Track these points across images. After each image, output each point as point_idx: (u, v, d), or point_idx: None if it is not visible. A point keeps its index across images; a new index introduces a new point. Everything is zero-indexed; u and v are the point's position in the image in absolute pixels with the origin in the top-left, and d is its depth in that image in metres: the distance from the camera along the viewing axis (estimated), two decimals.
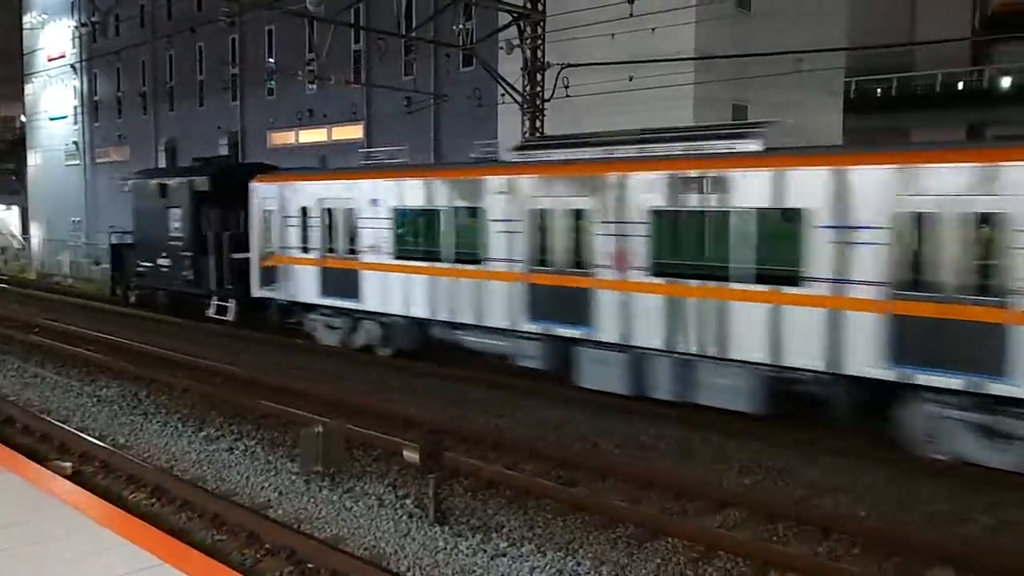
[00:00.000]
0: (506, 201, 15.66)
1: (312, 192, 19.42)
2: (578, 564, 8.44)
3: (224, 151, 35.27)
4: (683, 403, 13.63)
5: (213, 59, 36.16)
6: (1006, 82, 37.89)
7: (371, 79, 27.99)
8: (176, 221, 24.08)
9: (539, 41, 21.15)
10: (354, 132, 29.88)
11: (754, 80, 20.57)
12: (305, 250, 19.61)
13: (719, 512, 9.79)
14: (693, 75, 20.28)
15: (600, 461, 11.48)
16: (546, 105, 21.16)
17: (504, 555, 8.61)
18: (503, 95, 21.95)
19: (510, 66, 21.94)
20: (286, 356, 19.10)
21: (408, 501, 9.96)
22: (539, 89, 21.16)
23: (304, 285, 19.68)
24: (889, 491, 10.44)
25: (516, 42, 21.24)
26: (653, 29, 19.22)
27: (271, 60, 32.83)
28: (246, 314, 22.16)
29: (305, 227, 19.61)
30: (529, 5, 21.07)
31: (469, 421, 13.59)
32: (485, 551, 8.68)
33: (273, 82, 33.64)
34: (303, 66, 26.43)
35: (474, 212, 16.26)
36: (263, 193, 20.71)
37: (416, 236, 17.52)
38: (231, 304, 22.50)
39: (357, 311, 18.72)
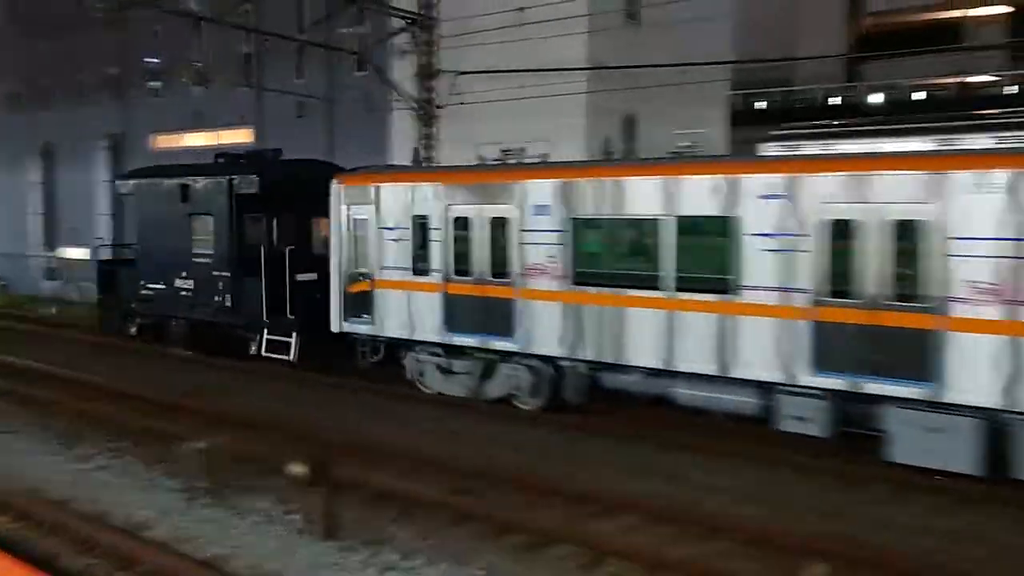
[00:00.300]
0: (780, 208, 11.69)
1: (436, 196, 15.05)
2: (470, 574, 8.37)
3: (104, 154, 33.81)
4: (583, 410, 13.71)
5: (95, 59, 34.61)
6: (878, 97, 39.92)
7: (261, 82, 27.32)
8: (204, 232, 19.02)
9: (432, 47, 21.08)
10: (244, 136, 29.08)
11: (645, 91, 21.01)
12: (421, 272, 15.23)
13: (612, 517, 9.89)
14: (586, 84, 20.59)
15: (495, 469, 11.44)
16: (440, 112, 21.10)
17: (394, 568, 8.47)
18: (397, 101, 21.77)
19: (404, 72, 21.79)
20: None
21: (297, 516, 9.68)
22: (433, 95, 21.08)
23: (416, 317, 15.27)
24: (772, 490, 10.76)
25: (409, 48, 21.12)
26: (545, 39, 19.41)
27: (154, 60, 31.63)
28: (311, 352, 17.49)
29: (423, 242, 15.22)
30: (422, 11, 20.98)
31: (367, 432, 13.36)
32: (375, 564, 8.52)
33: (159, 84, 32.45)
34: (189, 67, 25.59)
35: (717, 223, 12.24)
36: (352, 197, 16.24)
37: (609, 254, 13.59)
38: (292, 340, 17.47)
39: (505, 352, 14.36)
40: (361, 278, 16.12)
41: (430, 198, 15.12)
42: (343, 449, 11.75)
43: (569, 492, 10.50)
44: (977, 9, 43.87)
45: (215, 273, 18.73)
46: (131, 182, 21.70)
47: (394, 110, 22.64)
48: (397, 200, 15.57)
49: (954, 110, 37.00)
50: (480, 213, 14.53)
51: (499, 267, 14.34)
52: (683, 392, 12.76)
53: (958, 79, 40.77)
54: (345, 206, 16.33)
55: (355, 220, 16.20)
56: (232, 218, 18.43)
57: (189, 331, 19.69)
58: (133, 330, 21.17)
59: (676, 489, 10.79)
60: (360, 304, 16.11)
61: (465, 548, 9.03)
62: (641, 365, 12.91)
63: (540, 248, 13.81)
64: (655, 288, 12.68)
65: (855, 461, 11.54)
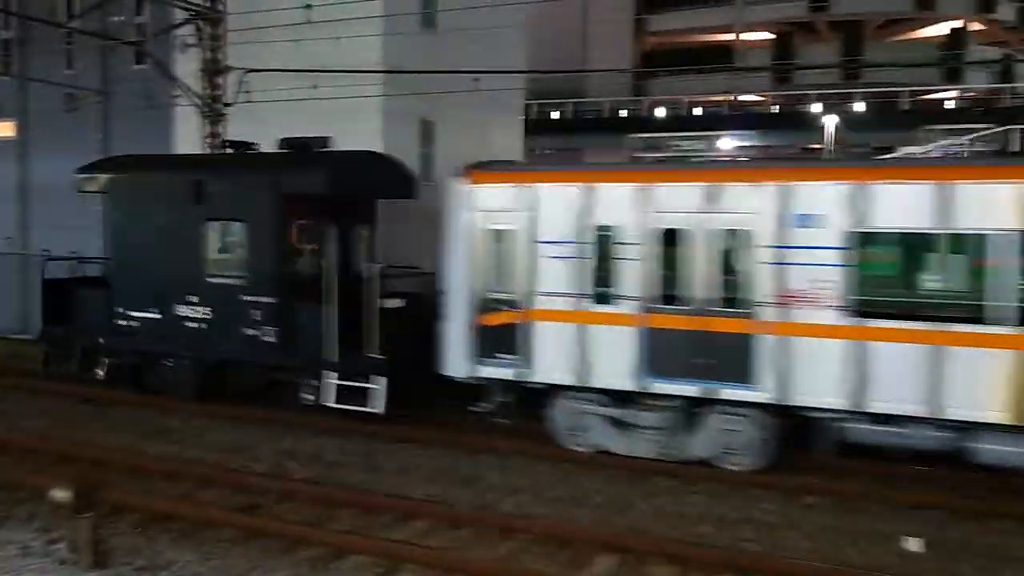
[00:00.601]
0: None
1: (631, 201, 11.75)
2: None
3: None
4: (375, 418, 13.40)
5: None
6: (661, 111, 42.43)
7: (24, 71, 24.90)
8: (229, 244, 14.80)
9: (219, 42, 20.04)
10: (3, 130, 26.38)
11: (443, 97, 21.05)
12: (603, 299, 11.88)
13: (406, 524, 9.74)
14: (382, 88, 20.32)
15: (283, 483, 10.99)
16: (229, 110, 20.09)
17: None
18: (179, 97, 20.51)
19: (188, 67, 20.56)
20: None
21: (61, 546, 8.80)
22: (219, 93, 20.04)
23: (595, 358, 11.90)
24: (563, 488, 11.04)
25: (193, 41, 19.95)
26: (340, 39, 19.00)
27: None
28: (401, 400, 13.64)
29: (607, 261, 11.91)
30: (208, 3, 19.91)
31: (144, 450, 12.44)
32: None
33: None
34: None
35: None
36: (489, 200, 12.57)
37: (915, 278, 10.88)
38: (378, 386, 13.36)
39: (732, 402, 11.34)
40: (502, 307, 12.42)
41: (621, 203, 11.78)
42: (119, 469, 10.89)
43: (363, 502, 10.27)
44: (746, 34, 47.74)
45: (247, 298, 14.23)
46: (104, 176, 16.17)
47: (177, 107, 21.33)
48: (566, 205, 12.06)
49: (727, 126, 40.08)
50: (704, 224, 11.39)
51: (731, 294, 11.34)
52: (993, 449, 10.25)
53: (729, 97, 44.19)
54: (476, 212, 12.56)
55: (492, 230, 12.55)
56: (279, 226, 14.25)
57: (197, 374, 15.06)
58: (100, 372, 15.87)
59: (472, 492, 10.84)
60: (500, 340, 12.39)
61: (253, 567, 8.58)
62: (964, 419, 10.24)
63: (804, 269, 10.95)
64: (987, 322, 10.14)
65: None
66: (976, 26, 46.34)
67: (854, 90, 40.84)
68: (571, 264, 12.07)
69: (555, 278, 12.14)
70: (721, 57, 46.90)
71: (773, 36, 47.35)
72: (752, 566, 8.48)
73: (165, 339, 15.04)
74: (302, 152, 14.88)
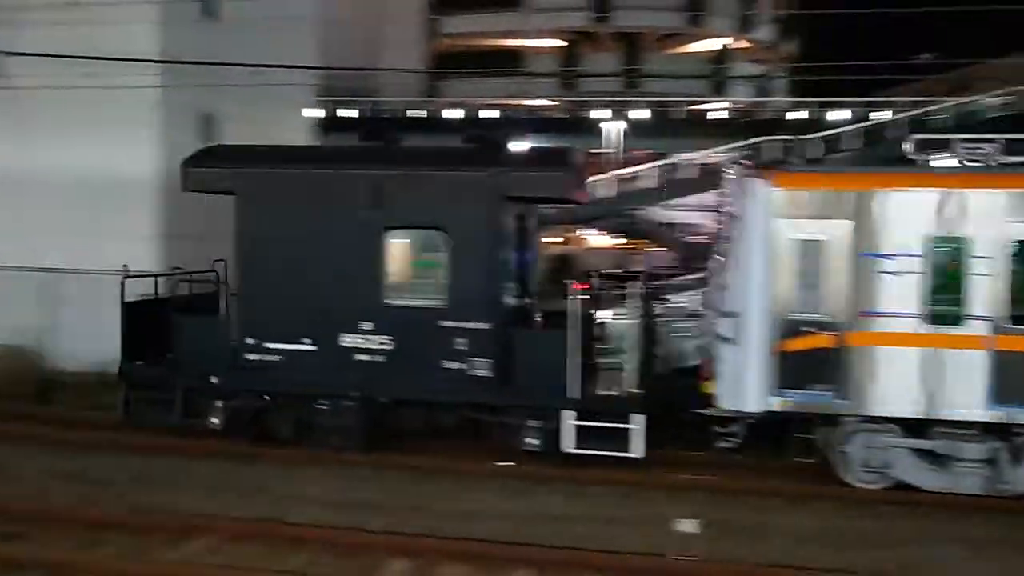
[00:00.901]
0: None
1: (988, 208, 10.43)
2: None
3: None
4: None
5: None
6: (456, 112, 42.85)
7: None
8: (421, 259, 12.38)
9: None
10: None
11: (226, 90, 20.13)
12: (945, 319, 10.54)
13: (183, 541, 9.19)
14: (160, 79, 19.15)
15: (45, 507, 10.06)
16: None
17: None
18: None
19: None
20: None
21: None
22: None
23: (939, 385, 10.45)
24: (348, 495, 10.82)
25: None
26: (114, 24, 17.74)
27: None
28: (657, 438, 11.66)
29: (953, 277, 10.50)
30: None
31: None
32: None
33: None
34: None
35: None
36: (797, 206, 10.90)
37: None
38: (635, 426, 11.24)
39: None
40: (811, 329, 10.82)
41: (977, 210, 10.41)
42: None
43: (135, 523, 9.59)
44: (535, 40, 49.26)
45: (448, 324, 11.80)
46: (231, 170, 12.84)
47: None
48: (907, 214, 10.61)
49: (520, 130, 41.14)
50: None
51: None
52: None
53: (518, 101, 45.40)
54: (778, 219, 10.92)
55: (799, 241, 10.91)
56: (495, 237, 11.98)
57: (365, 418, 12.18)
58: (215, 421, 12.55)
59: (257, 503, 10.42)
60: (809, 368, 10.78)
61: None
62: None
63: None
64: None
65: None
66: (741, 44, 50.44)
67: (634, 98, 43.22)
68: (910, 280, 10.59)
69: (888, 296, 10.62)
70: (511, 61, 48.11)
71: (561, 43, 49.19)
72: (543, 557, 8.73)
73: (323, 376, 12.08)
74: (494, 146, 12.90)
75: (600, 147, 39.56)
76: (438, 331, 11.73)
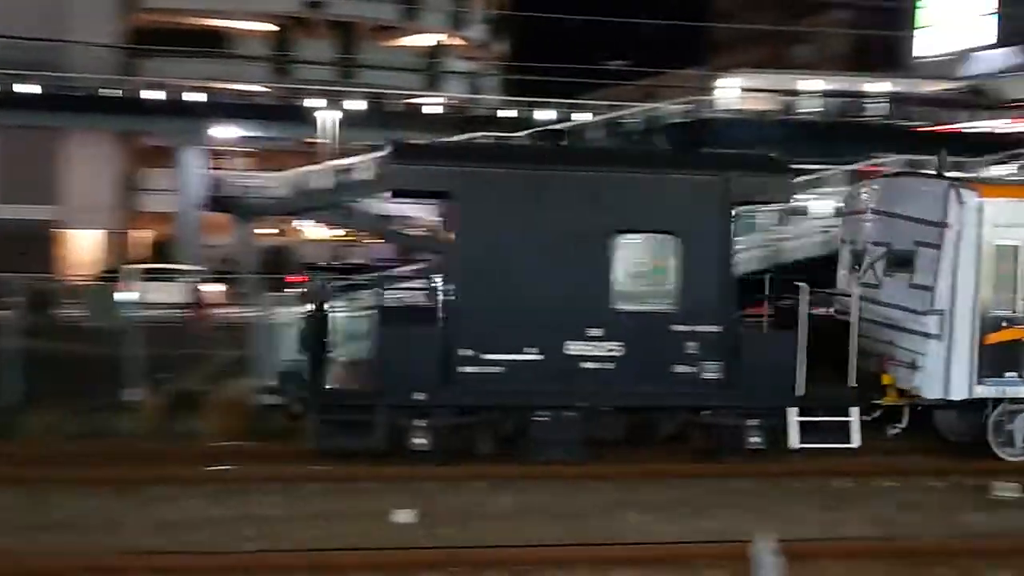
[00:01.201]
0: None
1: None
2: None
3: None
4: None
5: None
6: (157, 94, 39.77)
7: None
8: (652, 263, 11.76)
9: None
10: None
11: None
12: None
13: None
14: None
15: None
16: None
17: None
18: None
19: None
20: None
21: None
22: None
23: None
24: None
25: None
26: None
27: None
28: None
29: None
30: None
31: None
32: None
33: None
34: None
35: None
36: (1000, 216, 11.91)
37: None
38: (852, 418, 11.74)
39: None
40: (1009, 324, 11.95)
41: None
42: None
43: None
44: (244, 22, 46.94)
45: (679, 328, 11.54)
46: (450, 169, 11.80)
47: None
48: None
49: (224, 115, 39.06)
50: None
51: None
52: None
53: (226, 85, 43.11)
54: (984, 227, 11.82)
55: (1000, 246, 11.96)
56: (725, 240, 12.01)
57: (587, 428, 11.62)
58: (422, 441, 11.32)
59: None
60: (1007, 358, 11.94)
61: None
62: None
63: None
64: None
65: None
66: (455, 41, 51.60)
67: (350, 88, 42.68)
68: None
69: None
70: (219, 43, 45.49)
71: (273, 27, 47.29)
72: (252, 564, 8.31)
73: (546, 386, 11.47)
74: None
75: (314, 136, 38.68)
76: (669, 335, 11.59)
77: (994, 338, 12.01)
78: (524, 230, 11.61)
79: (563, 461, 11.58)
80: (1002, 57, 47.63)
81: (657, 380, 11.64)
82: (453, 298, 11.77)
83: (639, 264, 11.94)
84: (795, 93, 43.00)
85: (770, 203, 15.75)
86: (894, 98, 44.31)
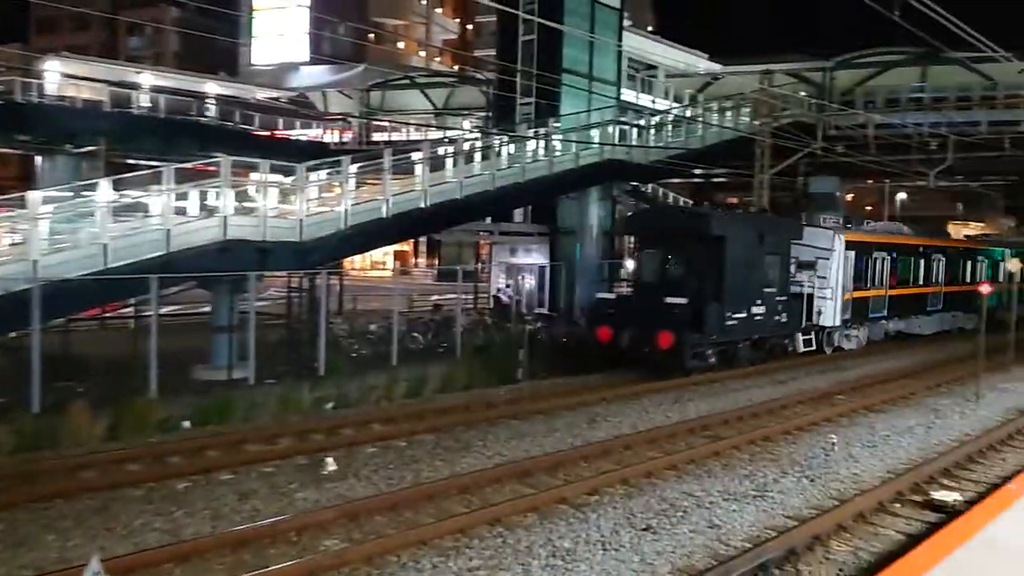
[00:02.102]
0: None
1: None
2: None
3: None
4: None
5: None
6: None
7: None
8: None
9: None
10: None
11: None
12: None
13: None
14: None
15: None
16: None
17: None
18: None
19: None
20: None
21: None
22: None
23: None
24: None
25: None
26: None
27: None
28: None
29: None
30: None
31: None
32: None
33: None
34: None
35: None
36: None
37: None
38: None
39: None
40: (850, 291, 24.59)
41: None
42: None
43: None
44: None
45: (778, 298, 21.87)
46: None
47: None
48: None
49: None
50: None
51: None
52: None
53: None
54: (844, 251, 24.23)
55: (847, 258, 24.56)
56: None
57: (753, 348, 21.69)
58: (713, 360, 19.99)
59: None
60: (852, 306, 24.97)
61: None
62: None
63: None
64: None
65: None
66: None
67: None
68: None
69: None
70: None
71: None
72: None
73: (747, 331, 21.25)
74: None
75: None
76: (775, 302, 21.84)
77: (847, 297, 24.08)
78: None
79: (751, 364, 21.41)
80: (322, 73, 52.78)
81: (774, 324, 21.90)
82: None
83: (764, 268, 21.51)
84: (131, 86, 41.36)
85: None
86: (230, 101, 45.77)
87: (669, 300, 19.13)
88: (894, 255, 26.97)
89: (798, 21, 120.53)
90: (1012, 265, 21.16)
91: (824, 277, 23.35)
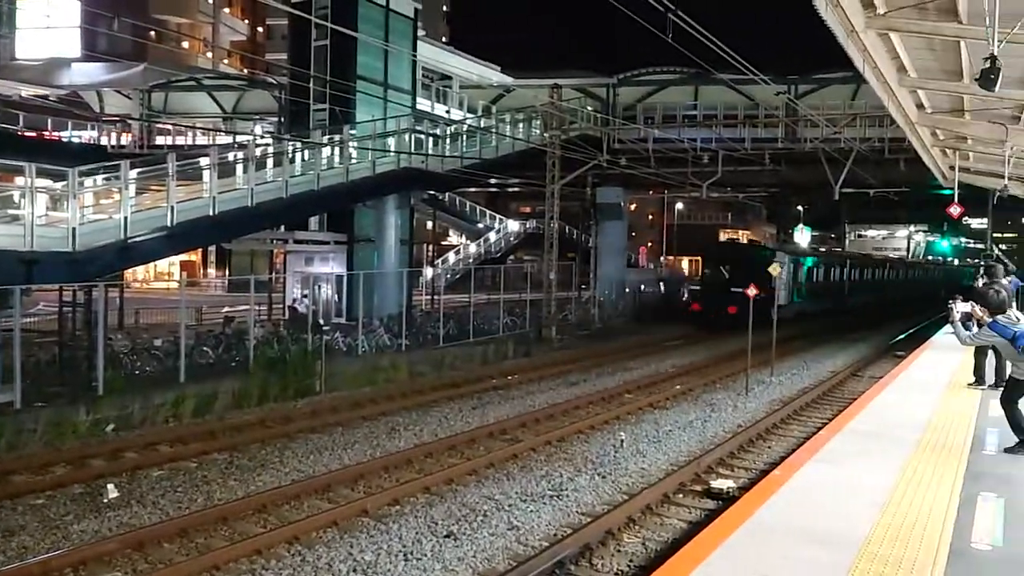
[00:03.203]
0: None
1: None
2: None
3: None
4: None
5: None
6: None
7: None
8: None
9: None
10: None
11: None
12: None
13: None
14: None
15: None
16: None
17: None
18: None
19: None
20: None
21: None
22: None
23: None
24: None
25: None
26: None
27: None
28: None
29: None
30: None
31: None
32: None
33: None
34: None
35: None
36: None
37: None
38: None
39: None
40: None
41: None
42: None
43: None
44: None
45: None
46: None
47: None
48: None
49: None
50: None
51: None
52: None
53: None
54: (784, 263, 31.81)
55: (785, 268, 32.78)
56: None
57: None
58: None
59: None
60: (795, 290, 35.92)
61: None
62: None
63: None
64: None
65: None
66: None
67: None
68: None
69: None
70: None
71: None
72: None
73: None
74: None
75: None
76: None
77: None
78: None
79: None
80: (97, 71, 49.16)
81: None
82: None
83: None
84: None
85: None
86: None
87: (734, 290, 29.35)
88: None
89: (585, 39, 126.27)
90: (773, 269, 23.14)
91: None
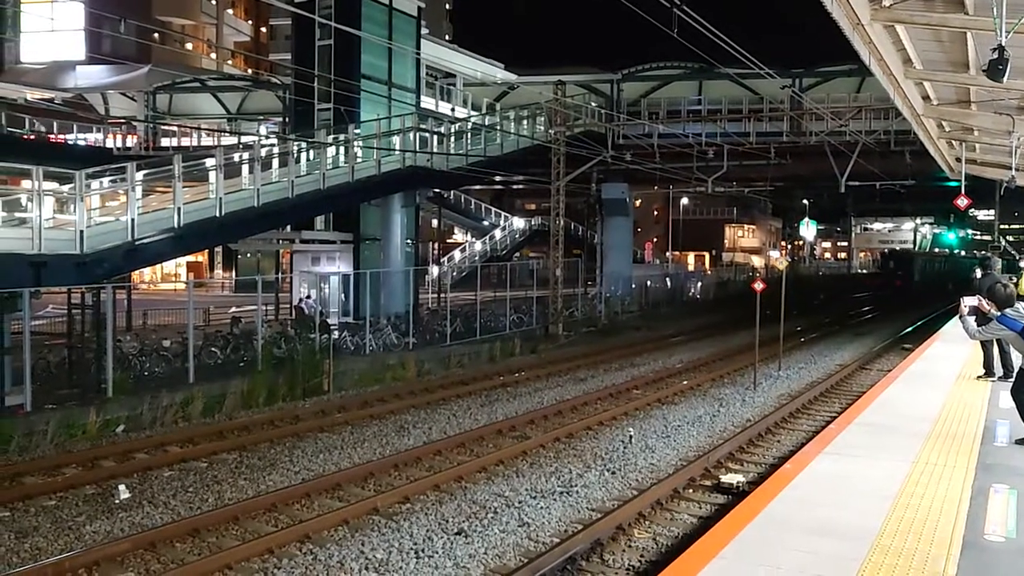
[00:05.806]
0: None
1: None
2: None
3: None
4: None
5: None
6: None
7: None
8: None
9: None
10: None
11: None
12: None
13: None
14: None
15: None
16: None
17: None
18: None
19: None
20: None
21: None
22: None
23: None
24: None
25: None
26: None
27: None
28: None
29: None
30: None
31: None
32: None
33: None
34: None
35: None
36: None
37: None
38: None
39: None
40: None
41: None
42: None
43: None
44: None
45: None
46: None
47: None
48: None
49: None
50: None
51: None
52: None
53: None
54: None
55: None
56: None
57: None
58: None
59: None
60: None
61: None
62: None
63: None
64: None
65: None
66: None
67: None
68: None
69: None
70: None
71: None
72: None
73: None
74: None
75: None
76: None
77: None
78: None
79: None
80: (101, 73, 49.25)
81: None
82: None
83: None
84: None
85: None
86: None
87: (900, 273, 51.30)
88: None
89: (589, 35, 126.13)
90: (780, 264, 23.05)
91: None
